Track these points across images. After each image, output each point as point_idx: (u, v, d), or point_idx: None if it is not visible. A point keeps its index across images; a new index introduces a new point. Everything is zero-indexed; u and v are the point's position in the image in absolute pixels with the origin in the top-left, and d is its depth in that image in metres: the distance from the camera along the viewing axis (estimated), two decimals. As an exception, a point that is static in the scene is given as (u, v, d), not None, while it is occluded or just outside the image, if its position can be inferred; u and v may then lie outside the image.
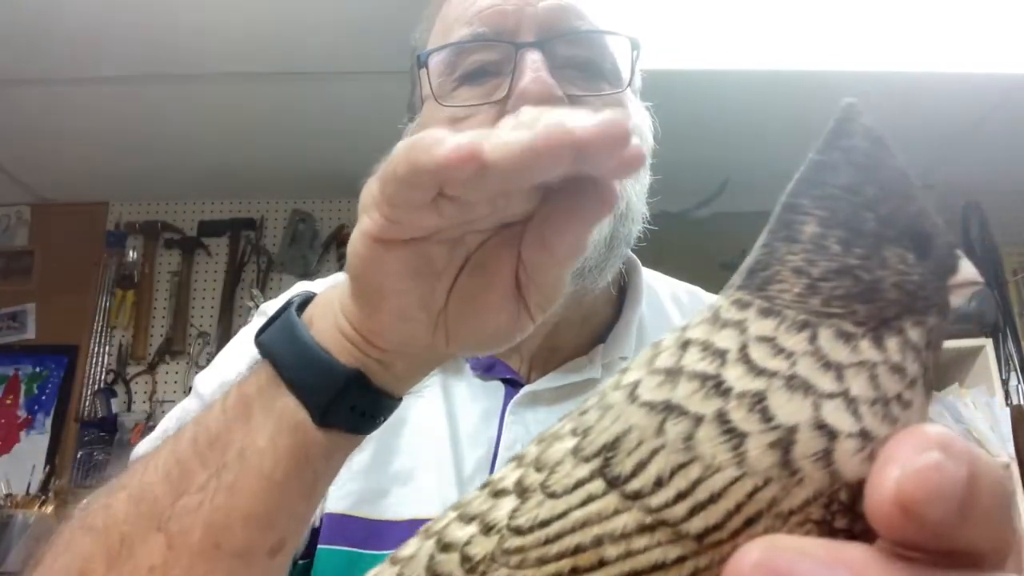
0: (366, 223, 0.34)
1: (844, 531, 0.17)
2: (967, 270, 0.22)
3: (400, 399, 0.41)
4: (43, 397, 2.54)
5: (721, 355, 0.19)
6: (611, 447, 0.19)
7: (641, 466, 0.18)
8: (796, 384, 0.18)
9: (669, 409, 0.19)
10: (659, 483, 0.18)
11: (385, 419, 0.41)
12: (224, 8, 1.76)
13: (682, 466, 0.18)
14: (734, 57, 1.89)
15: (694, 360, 0.19)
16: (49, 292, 2.61)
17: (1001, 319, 2.56)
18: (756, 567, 0.16)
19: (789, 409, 0.18)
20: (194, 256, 2.68)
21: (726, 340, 0.19)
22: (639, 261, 0.71)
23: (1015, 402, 2.44)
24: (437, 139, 0.28)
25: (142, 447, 0.54)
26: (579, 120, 0.26)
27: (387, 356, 0.38)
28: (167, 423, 0.62)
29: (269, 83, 2.08)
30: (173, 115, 2.21)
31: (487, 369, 0.65)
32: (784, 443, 0.17)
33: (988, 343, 2.34)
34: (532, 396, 0.63)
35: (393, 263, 0.34)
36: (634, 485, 0.18)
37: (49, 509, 2.31)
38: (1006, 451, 2.26)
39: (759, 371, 0.19)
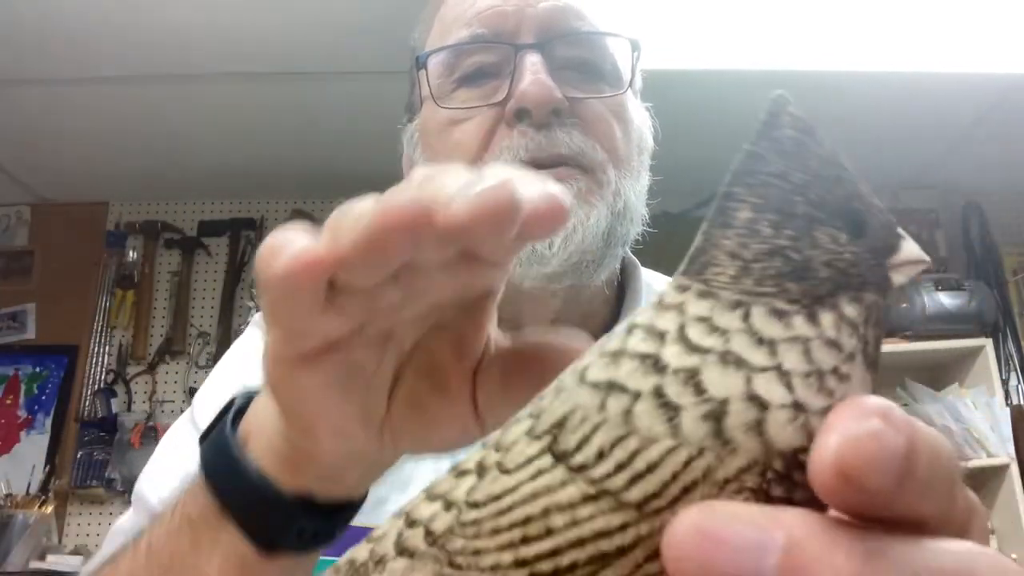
0: (268, 342, 0.29)
1: (782, 499, 0.18)
2: (909, 249, 0.22)
3: (361, 501, 0.36)
4: (43, 397, 2.54)
5: (661, 336, 0.20)
6: (559, 424, 0.20)
7: (585, 440, 0.19)
8: (729, 359, 0.19)
9: (611, 387, 0.20)
10: (600, 455, 0.19)
11: (346, 525, 0.36)
12: (224, 8, 1.76)
13: (621, 439, 0.19)
14: (734, 57, 1.89)
15: (636, 341, 0.20)
16: (49, 292, 2.61)
17: (1001, 319, 2.56)
18: (691, 530, 0.17)
19: (722, 383, 0.19)
20: (194, 256, 2.68)
21: (666, 322, 0.20)
22: (639, 262, 0.71)
23: (1015, 402, 2.44)
24: (275, 248, 0.24)
25: (91, 566, 0.50)
26: (432, 196, 0.22)
27: (333, 472, 0.33)
28: (110, 543, 0.58)
29: (269, 83, 2.08)
30: (173, 115, 2.21)
31: None
32: (716, 414, 0.18)
33: (988, 343, 2.34)
34: None
35: (311, 381, 0.28)
36: (578, 459, 0.19)
37: (49, 509, 2.31)
38: (1006, 451, 2.26)
39: (694, 348, 0.19)
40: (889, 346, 2.32)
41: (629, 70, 0.65)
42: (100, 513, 2.43)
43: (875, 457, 0.17)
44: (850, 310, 0.20)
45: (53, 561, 2.19)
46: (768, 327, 0.19)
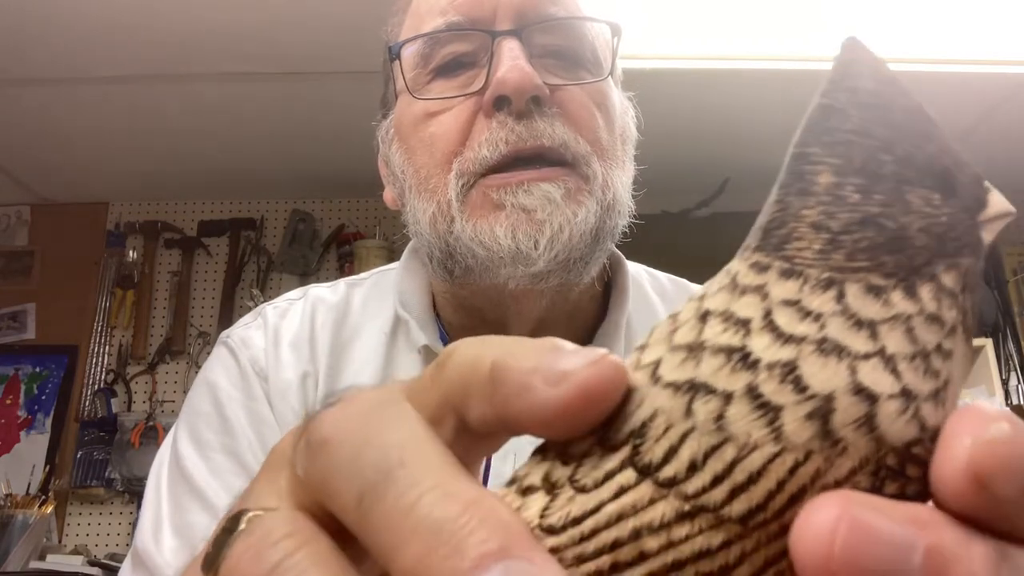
0: None
1: (895, 496, 0.17)
2: (998, 202, 0.20)
3: None
4: (43, 397, 2.54)
5: (744, 324, 0.18)
6: (638, 434, 0.18)
7: (672, 451, 0.17)
8: (828, 348, 0.17)
9: (695, 388, 0.18)
10: (693, 468, 0.17)
11: None
12: (223, 8, 1.76)
13: (715, 448, 0.17)
14: (734, 56, 1.89)
15: (716, 332, 0.18)
16: (49, 292, 2.62)
17: (1001, 319, 2.56)
18: (837, 522, 0.15)
19: (823, 376, 0.17)
20: (194, 256, 2.68)
21: (748, 308, 0.18)
22: (623, 256, 0.68)
23: (1015, 402, 2.44)
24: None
25: None
26: None
27: None
28: None
29: (269, 83, 2.08)
30: (173, 115, 2.21)
31: None
32: (822, 412, 0.17)
33: (988, 343, 2.34)
34: None
35: None
36: (667, 472, 0.17)
37: (49, 509, 2.31)
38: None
39: (787, 338, 0.17)
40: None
41: (609, 56, 0.63)
42: (100, 513, 2.43)
43: (1009, 462, 0.16)
44: (948, 279, 0.18)
45: (53, 561, 2.19)
46: (866, 307, 0.18)
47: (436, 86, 0.61)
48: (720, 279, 0.20)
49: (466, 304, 0.63)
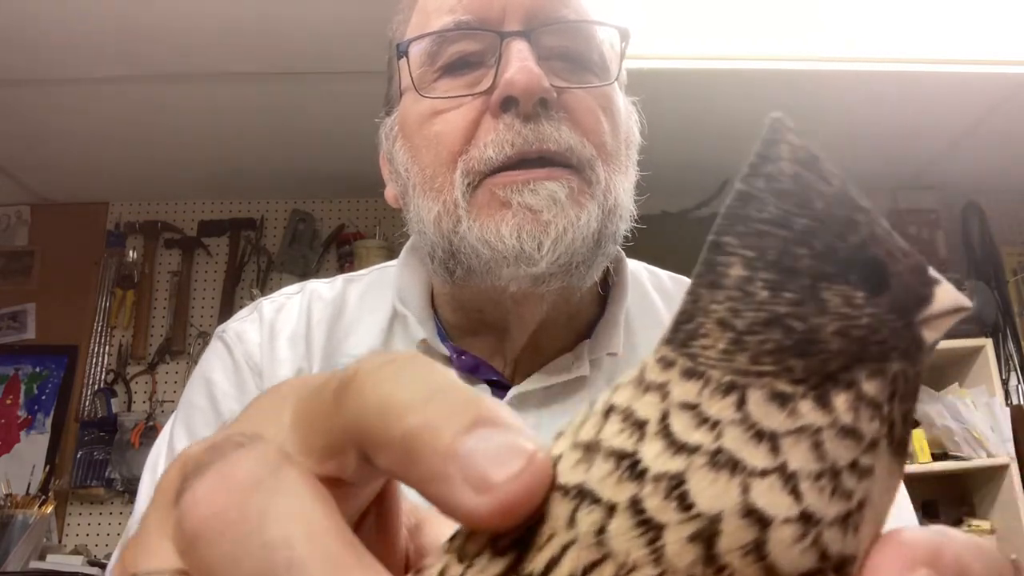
0: None
1: None
2: (945, 297, 0.18)
3: None
4: (43, 397, 2.54)
5: (640, 427, 0.16)
6: (524, 540, 0.16)
7: (553, 564, 0.16)
8: (721, 461, 0.16)
9: (582, 495, 0.16)
10: None
11: None
12: (224, 8, 1.76)
13: (595, 564, 0.15)
14: (734, 56, 1.89)
15: (612, 433, 0.17)
16: (49, 292, 2.61)
17: (1001, 319, 2.56)
18: None
19: (712, 493, 0.15)
20: (194, 256, 2.68)
21: (647, 408, 0.17)
22: (624, 254, 0.68)
23: (1015, 402, 2.44)
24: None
25: None
26: None
27: None
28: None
29: (269, 83, 2.08)
30: (173, 115, 2.20)
31: (471, 371, 0.63)
32: (706, 535, 0.15)
33: (988, 343, 2.34)
34: (521, 398, 0.61)
35: None
36: None
37: (49, 509, 2.31)
38: (1006, 451, 2.26)
39: (679, 447, 0.16)
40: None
41: (617, 60, 0.63)
42: (100, 513, 2.43)
43: None
44: (870, 387, 0.16)
45: (53, 561, 2.19)
46: (769, 416, 0.16)
47: (442, 84, 0.61)
48: (634, 368, 0.18)
49: (466, 306, 0.63)
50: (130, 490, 2.40)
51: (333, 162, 2.44)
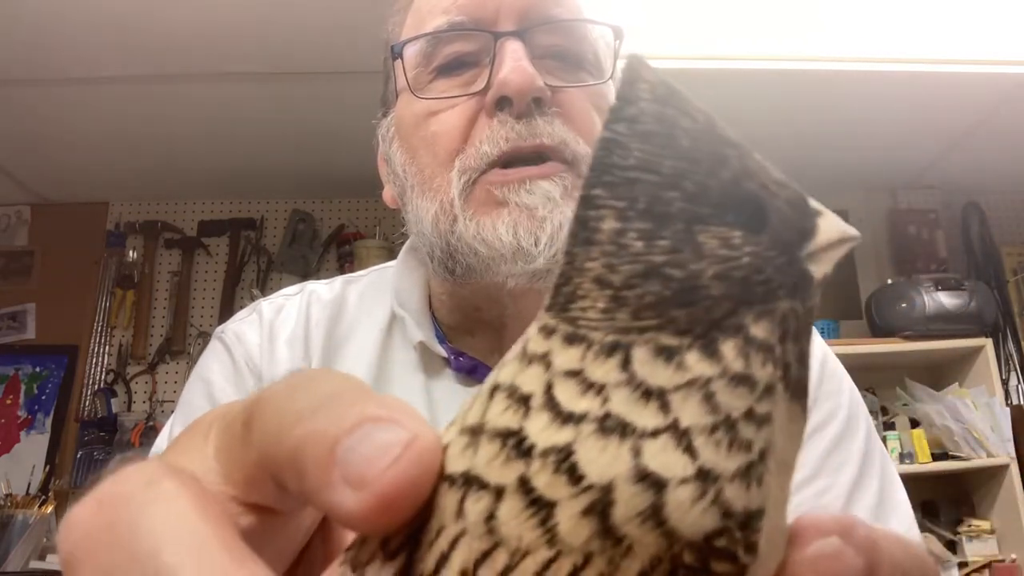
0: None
1: None
2: (829, 228, 0.17)
3: None
4: (43, 397, 2.54)
5: (525, 402, 0.15)
6: (414, 538, 0.15)
7: (443, 560, 0.15)
8: (610, 426, 0.14)
9: (469, 482, 0.15)
10: None
11: None
12: (224, 8, 1.76)
13: (486, 555, 0.14)
14: (734, 56, 1.89)
15: (497, 412, 0.15)
16: (49, 292, 2.61)
17: (1001, 319, 2.56)
18: None
19: (602, 461, 0.14)
20: (194, 256, 2.68)
21: (530, 381, 0.16)
22: None
23: (1015, 402, 2.44)
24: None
25: None
26: None
27: None
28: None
29: (269, 83, 2.08)
30: (173, 115, 2.21)
31: (469, 372, 0.63)
32: (600, 507, 0.14)
33: (988, 343, 2.34)
34: None
35: None
36: None
37: (49, 509, 2.31)
38: (1006, 451, 2.26)
39: (565, 417, 0.15)
40: (889, 346, 2.32)
41: (611, 59, 0.63)
42: (100, 513, 2.43)
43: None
44: (759, 329, 0.16)
45: (53, 561, 2.19)
46: (655, 373, 0.15)
47: (438, 85, 0.61)
48: (517, 344, 0.17)
49: (464, 304, 0.63)
50: (130, 490, 2.39)
51: (333, 162, 2.44)
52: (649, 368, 0.15)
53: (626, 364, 0.15)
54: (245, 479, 0.18)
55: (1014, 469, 2.24)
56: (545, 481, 0.14)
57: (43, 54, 1.89)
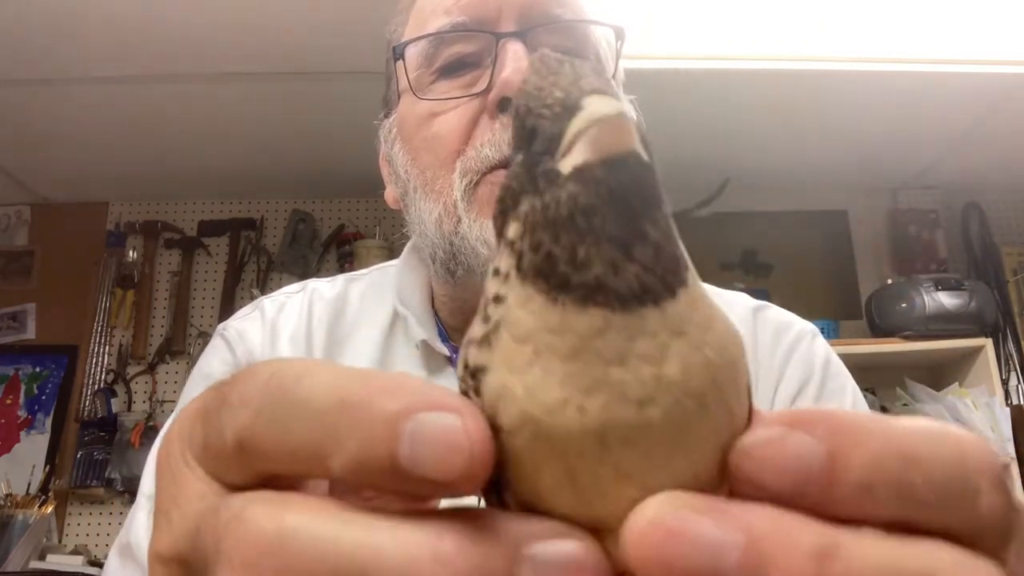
0: None
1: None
2: (589, 115, 0.18)
3: None
4: (43, 397, 2.54)
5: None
6: None
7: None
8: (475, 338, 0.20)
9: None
10: None
11: None
12: (224, 8, 1.76)
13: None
14: (734, 56, 1.89)
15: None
16: (49, 292, 2.61)
17: (1001, 319, 2.56)
18: (654, 527, 0.17)
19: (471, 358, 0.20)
20: (194, 256, 2.68)
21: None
22: None
23: (1015, 402, 2.44)
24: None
25: None
26: None
27: None
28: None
29: (269, 83, 2.08)
30: (173, 115, 2.20)
31: None
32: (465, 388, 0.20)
33: (988, 343, 2.34)
34: None
35: None
36: None
37: (49, 509, 2.31)
38: (1006, 451, 2.26)
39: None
40: (889, 346, 2.32)
41: (612, 59, 0.63)
42: (100, 513, 2.43)
43: (779, 461, 0.17)
44: (511, 231, 0.19)
45: (53, 561, 2.19)
46: (487, 288, 0.20)
47: (440, 86, 0.61)
48: None
49: (465, 307, 0.63)
50: (130, 490, 2.39)
51: (333, 162, 2.44)
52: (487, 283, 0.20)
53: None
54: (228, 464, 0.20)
55: (1014, 469, 2.24)
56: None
57: (43, 54, 1.89)
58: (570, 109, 0.18)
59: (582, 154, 0.18)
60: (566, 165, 0.18)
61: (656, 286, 0.18)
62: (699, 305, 0.19)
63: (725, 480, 0.19)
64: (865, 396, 0.69)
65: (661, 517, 0.17)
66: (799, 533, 0.17)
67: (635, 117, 0.18)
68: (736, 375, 0.19)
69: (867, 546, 0.17)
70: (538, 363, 0.18)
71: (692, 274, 0.19)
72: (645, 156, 0.19)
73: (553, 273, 0.18)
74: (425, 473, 0.17)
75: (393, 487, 0.18)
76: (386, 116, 0.68)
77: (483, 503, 0.20)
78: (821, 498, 0.17)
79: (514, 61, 0.57)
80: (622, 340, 0.18)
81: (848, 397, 0.63)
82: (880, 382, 2.42)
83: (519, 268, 0.19)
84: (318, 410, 0.18)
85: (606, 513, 0.18)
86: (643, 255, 0.18)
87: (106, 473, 2.41)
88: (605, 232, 0.18)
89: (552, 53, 0.20)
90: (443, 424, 0.17)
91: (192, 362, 2.54)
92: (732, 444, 0.18)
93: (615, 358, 0.18)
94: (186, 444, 0.21)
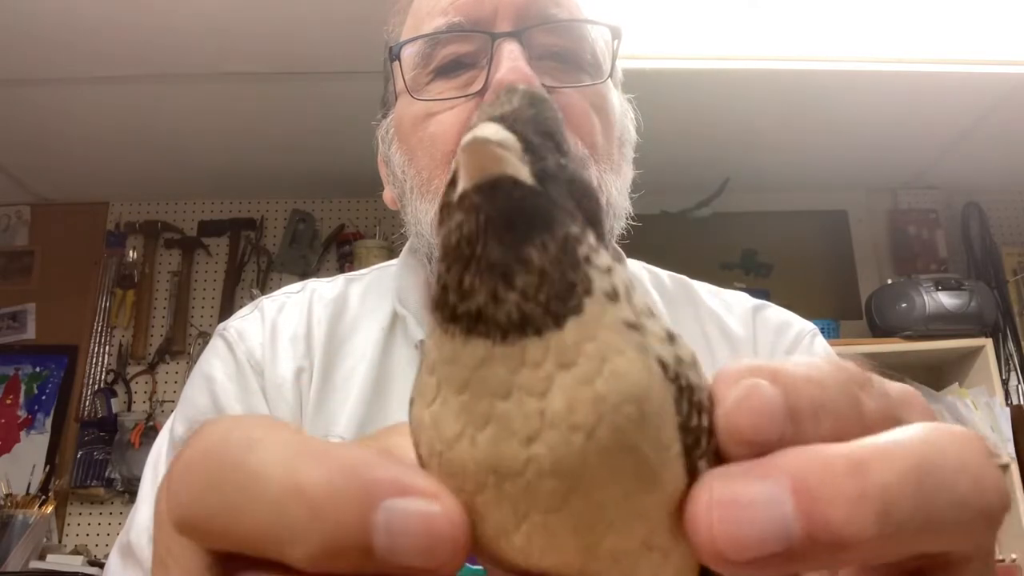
0: None
1: None
2: (466, 137, 0.17)
3: None
4: (43, 397, 2.54)
5: None
6: None
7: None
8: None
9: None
10: None
11: None
12: (224, 8, 1.76)
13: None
14: (734, 56, 1.89)
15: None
16: (49, 292, 2.61)
17: (1001, 319, 2.56)
18: (709, 508, 0.17)
19: None
20: (194, 256, 2.68)
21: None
22: (623, 253, 0.68)
23: (1015, 402, 2.44)
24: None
25: None
26: None
27: None
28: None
29: (269, 83, 2.08)
30: (173, 115, 2.20)
31: None
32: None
33: (988, 343, 2.34)
34: None
35: None
36: None
37: (49, 509, 2.31)
38: (1006, 451, 2.26)
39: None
40: (889, 346, 2.32)
41: (609, 59, 0.63)
42: (100, 513, 2.43)
43: (755, 412, 0.18)
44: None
45: (53, 561, 2.19)
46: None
47: (436, 86, 0.61)
48: None
49: None
50: (130, 490, 2.39)
51: (333, 162, 2.44)
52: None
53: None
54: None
55: (1014, 469, 2.24)
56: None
57: (44, 54, 1.89)
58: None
59: (462, 181, 0.18)
60: (456, 193, 0.18)
61: (538, 316, 0.17)
62: (600, 335, 0.17)
63: (659, 530, 0.18)
64: (865, 396, 0.68)
65: (710, 496, 0.17)
66: (826, 457, 0.17)
67: (516, 142, 0.17)
68: (644, 409, 0.17)
69: (881, 442, 0.18)
70: (440, 395, 0.18)
71: (598, 300, 0.17)
72: (528, 179, 0.17)
73: (445, 304, 0.18)
74: (410, 563, 0.16)
75: (366, 571, 0.17)
76: (384, 117, 0.68)
77: None
78: (802, 431, 0.18)
79: (510, 61, 0.56)
80: (505, 372, 0.17)
81: None
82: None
83: (434, 309, 0.19)
84: (271, 499, 0.17)
85: (513, 552, 0.18)
86: (524, 283, 0.17)
87: (106, 473, 2.41)
88: (487, 260, 0.17)
89: (539, 90, 0.20)
90: (421, 512, 0.17)
91: (192, 362, 2.54)
92: (658, 493, 0.17)
93: (500, 391, 0.17)
94: (163, 508, 0.20)
